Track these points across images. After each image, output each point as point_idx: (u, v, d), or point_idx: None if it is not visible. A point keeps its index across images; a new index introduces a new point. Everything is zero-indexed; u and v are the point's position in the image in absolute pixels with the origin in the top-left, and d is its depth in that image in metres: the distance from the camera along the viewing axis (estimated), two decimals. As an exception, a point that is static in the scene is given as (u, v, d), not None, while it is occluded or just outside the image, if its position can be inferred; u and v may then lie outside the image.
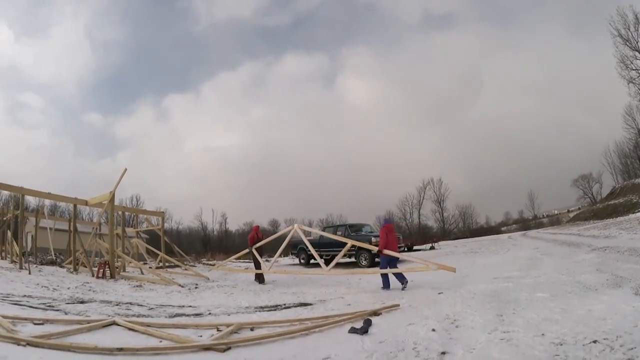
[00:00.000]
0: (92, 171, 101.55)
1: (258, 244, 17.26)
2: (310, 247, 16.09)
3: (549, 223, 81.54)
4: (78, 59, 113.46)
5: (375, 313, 7.79)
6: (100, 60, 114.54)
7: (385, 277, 11.99)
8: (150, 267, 19.85)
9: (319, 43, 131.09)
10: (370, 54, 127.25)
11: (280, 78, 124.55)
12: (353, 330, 6.55)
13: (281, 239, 17.53)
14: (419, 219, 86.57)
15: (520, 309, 6.81)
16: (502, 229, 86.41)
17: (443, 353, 4.98)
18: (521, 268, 12.60)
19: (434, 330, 6.08)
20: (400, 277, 11.57)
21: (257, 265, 16.97)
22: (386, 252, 12.16)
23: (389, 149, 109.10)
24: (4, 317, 6.98)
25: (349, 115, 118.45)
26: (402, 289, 11.09)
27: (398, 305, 8.47)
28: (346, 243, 21.72)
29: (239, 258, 21.14)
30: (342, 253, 14.69)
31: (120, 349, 5.76)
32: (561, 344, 4.76)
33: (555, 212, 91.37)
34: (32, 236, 25.64)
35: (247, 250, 17.98)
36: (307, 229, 19.28)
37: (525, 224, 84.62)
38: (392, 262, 12.39)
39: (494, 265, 14.94)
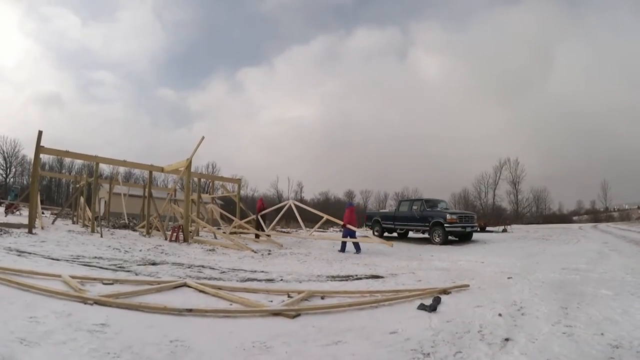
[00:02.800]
0: (168, 141, 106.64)
1: (263, 212, 21.64)
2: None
3: (619, 218, 77.53)
4: (148, 38, 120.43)
5: (445, 291, 7.67)
6: (171, 39, 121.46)
7: (343, 244, 15.96)
8: (224, 232, 20.03)
9: (389, 17, 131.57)
10: (440, 28, 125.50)
11: (353, 51, 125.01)
12: (422, 307, 6.50)
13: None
14: (494, 199, 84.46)
15: (584, 304, 6.61)
16: (574, 218, 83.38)
17: (506, 339, 4.92)
18: (589, 261, 12.22)
19: (500, 315, 6.01)
20: (357, 246, 15.43)
21: (261, 229, 20.76)
22: (349, 226, 16.02)
23: (463, 125, 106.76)
24: (73, 277, 7.08)
25: (421, 89, 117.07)
26: (355, 253, 14.83)
27: (468, 285, 8.31)
28: (420, 218, 21.69)
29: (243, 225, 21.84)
30: (317, 226, 18.44)
31: (190, 310, 5.78)
32: (617, 347, 4.66)
33: (626, 206, 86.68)
34: (105, 202, 26.52)
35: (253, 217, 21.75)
36: (301, 205, 19.62)
37: (596, 216, 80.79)
38: (352, 234, 16.15)
39: (564, 255, 14.44)
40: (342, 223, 16.22)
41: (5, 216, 23.72)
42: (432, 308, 6.39)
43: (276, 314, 6.04)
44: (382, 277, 9.65)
